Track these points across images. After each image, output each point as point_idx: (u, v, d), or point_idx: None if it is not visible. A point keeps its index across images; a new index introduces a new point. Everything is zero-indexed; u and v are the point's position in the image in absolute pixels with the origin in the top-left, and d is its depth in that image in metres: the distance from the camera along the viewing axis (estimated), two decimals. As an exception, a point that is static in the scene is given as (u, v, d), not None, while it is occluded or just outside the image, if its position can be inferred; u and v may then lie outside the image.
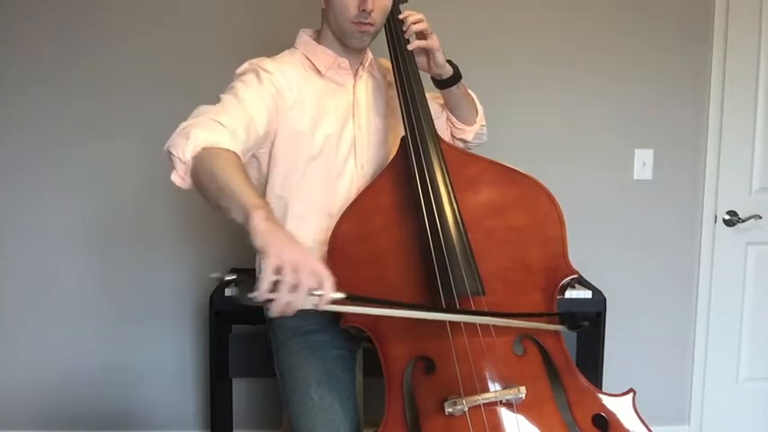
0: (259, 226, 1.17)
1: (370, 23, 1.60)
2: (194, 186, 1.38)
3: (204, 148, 1.36)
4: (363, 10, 1.56)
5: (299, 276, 1.12)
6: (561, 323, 1.51)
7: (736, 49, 2.66)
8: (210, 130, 1.40)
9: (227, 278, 1.13)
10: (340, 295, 1.19)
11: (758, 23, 2.66)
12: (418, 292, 1.52)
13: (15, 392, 2.69)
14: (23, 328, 2.67)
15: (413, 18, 1.66)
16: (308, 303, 1.15)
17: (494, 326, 1.47)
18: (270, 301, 1.13)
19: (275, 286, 1.12)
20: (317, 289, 1.15)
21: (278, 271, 1.12)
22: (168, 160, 1.41)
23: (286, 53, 1.70)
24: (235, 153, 1.39)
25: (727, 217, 2.74)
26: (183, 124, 1.42)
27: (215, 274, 1.15)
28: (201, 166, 1.34)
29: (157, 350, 2.69)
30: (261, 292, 1.12)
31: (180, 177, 1.39)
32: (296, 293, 1.13)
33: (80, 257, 2.65)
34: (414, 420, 1.48)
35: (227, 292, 2.30)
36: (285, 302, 1.13)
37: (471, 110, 1.85)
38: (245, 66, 1.62)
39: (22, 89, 2.58)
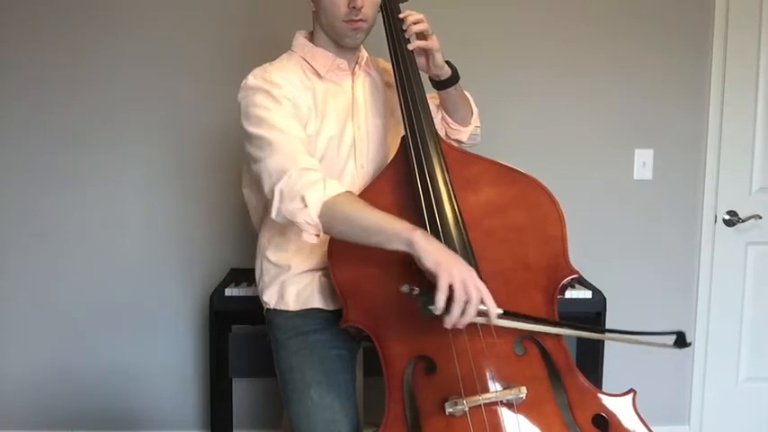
0: (426, 248, 1.32)
1: (361, 19, 1.60)
2: (332, 234, 1.47)
3: (324, 203, 1.43)
4: (353, 7, 1.56)
5: (468, 294, 1.28)
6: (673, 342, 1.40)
7: (736, 49, 2.66)
8: (313, 183, 1.45)
9: (412, 292, 1.34)
10: (500, 311, 1.33)
11: (758, 24, 2.66)
12: (419, 292, 1.52)
13: (15, 392, 2.69)
14: (23, 328, 2.67)
15: (413, 18, 1.66)
16: (477, 318, 1.32)
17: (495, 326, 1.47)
18: (444, 314, 1.29)
19: (449, 302, 1.28)
20: (482, 304, 1.30)
21: (449, 288, 1.28)
22: (291, 224, 1.48)
23: (284, 57, 1.70)
24: (349, 192, 1.48)
25: (727, 217, 2.74)
26: (281, 186, 1.46)
27: (403, 288, 1.34)
28: (332, 220, 1.43)
29: (157, 350, 2.69)
30: (438, 306, 1.28)
31: (314, 236, 1.46)
32: (467, 308, 1.29)
33: (80, 257, 2.65)
34: (414, 420, 1.48)
35: (227, 292, 2.31)
36: (458, 316, 1.29)
37: (467, 111, 1.85)
38: (252, 81, 1.60)
39: (21, 90, 2.58)
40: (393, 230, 1.36)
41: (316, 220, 1.43)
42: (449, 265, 1.29)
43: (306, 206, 1.43)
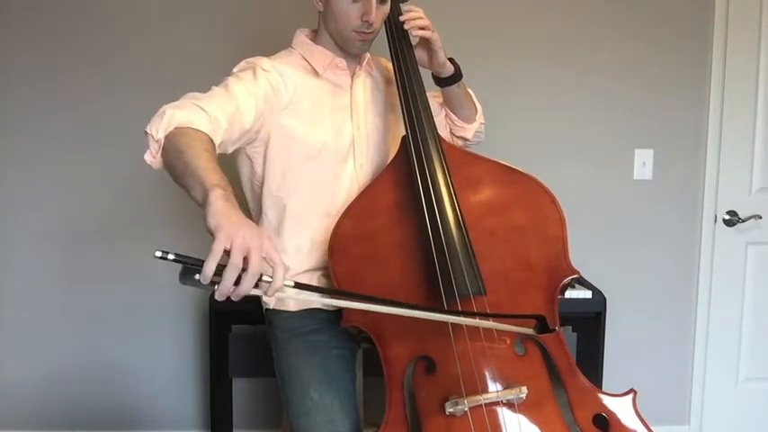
0: (215, 205, 1.14)
1: (372, 32, 1.60)
2: (164, 166, 1.35)
3: (177, 127, 1.34)
4: (366, 21, 1.57)
5: (248, 261, 1.08)
6: (534, 327, 1.45)
7: (736, 49, 2.66)
8: (189, 113, 1.38)
9: (171, 258, 1.08)
10: (289, 283, 1.14)
11: (758, 23, 2.66)
12: (419, 292, 1.52)
13: (15, 392, 2.69)
14: (23, 328, 2.67)
15: (414, 15, 1.67)
16: (255, 290, 1.11)
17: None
18: (215, 284, 1.08)
19: (222, 270, 1.07)
20: (267, 275, 1.10)
21: (225, 252, 1.08)
22: (146, 139, 1.37)
23: (283, 53, 1.70)
24: (207, 135, 1.36)
25: (727, 217, 2.74)
26: (164, 106, 1.40)
27: (157, 253, 1.08)
28: (171, 144, 1.31)
29: (157, 350, 2.69)
30: (205, 274, 1.07)
31: (152, 156, 1.35)
32: (243, 279, 1.08)
33: (80, 257, 2.64)
34: (414, 420, 1.48)
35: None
36: (229, 287, 1.09)
37: (471, 108, 1.85)
38: (242, 64, 1.62)
39: (22, 90, 2.58)
40: (200, 179, 1.20)
41: (160, 135, 1.33)
42: (231, 229, 1.09)
43: (161, 122, 1.34)
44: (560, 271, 1.56)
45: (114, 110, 2.59)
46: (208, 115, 1.41)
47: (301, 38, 1.70)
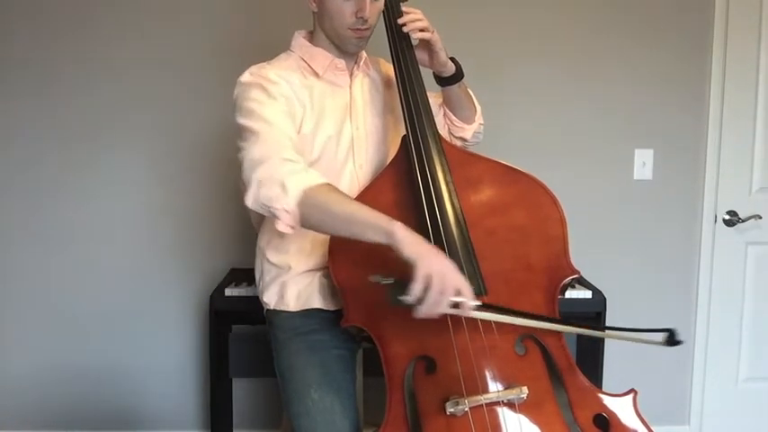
0: (406, 238, 1.31)
1: (367, 28, 1.60)
2: (306, 228, 1.45)
3: (304, 191, 1.40)
4: (361, 17, 1.57)
5: (444, 285, 1.28)
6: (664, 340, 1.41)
7: (736, 49, 2.66)
8: (293, 172, 1.43)
9: (384, 281, 1.35)
10: (477, 303, 1.34)
11: (758, 24, 2.66)
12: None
13: (15, 392, 2.69)
14: (24, 328, 2.67)
15: (414, 16, 1.67)
16: (450, 309, 1.31)
17: (496, 325, 1.46)
18: (418, 304, 1.29)
19: (424, 292, 1.28)
20: (458, 296, 1.30)
21: (428, 278, 1.27)
22: (266, 211, 1.45)
23: (282, 57, 1.70)
24: (329, 183, 1.44)
25: (727, 217, 2.74)
26: (260, 172, 1.44)
27: (373, 278, 1.35)
28: (310, 208, 1.40)
29: (157, 350, 2.69)
30: (413, 297, 1.28)
31: (288, 226, 1.43)
32: (441, 300, 1.28)
33: (80, 257, 2.65)
34: (414, 420, 1.48)
35: (227, 292, 2.31)
36: (430, 307, 1.29)
37: (471, 109, 1.85)
38: (248, 77, 1.60)
39: (23, 90, 2.58)
40: (372, 221, 1.35)
41: (294, 207, 1.39)
42: (429, 257, 1.30)
43: (285, 193, 1.39)
44: (561, 271, 1.56)
45: (115, 110, 2.59)
46: (301, 163, 1.47)
47: (300, 40, 1.70)
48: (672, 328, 1.38)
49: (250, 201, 1.45)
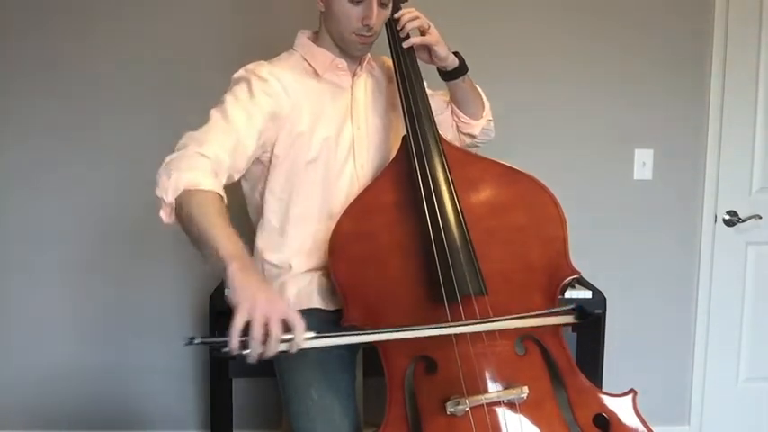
0: (233, 278, 1.22)
1: (372, 35, 1.61)
2: (179, 225, 1.39)
3: (185, 190, 1.36)
4: (366, 24, 1.57)
5: (269, 328, 1.19)
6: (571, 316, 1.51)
7: (737, 48, 2.66)
8: (192, 168, 1.39)
9: (198, 342, 1.25)
10: (310, 334, 1.26)
11: (758, 24, 2.66)
12: (420, 292, 1.52)
13: (15, 392, 2.68)
14: (24, 328, 2.67)
15: (408, 16, 1.67)
16: (280, 348, 1.23)
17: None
18: (244, 352, 1.21)
19: (245, 341, 1.19)
20: (288, 334, 1.22)
21: (247, 326, 1.18)
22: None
23: (284, 55, 1.70)
24: (215, 194, 1.39)
25: (727, 217, 2.74)
26: (168, 158, 1.42)
27: (186, 341, 1.25)
28: (182, 209, 1.35)
29: (157, 350, 2.69)
30: (232, 348, 1.19)
31: (167, 215, 1.39)
32: (267, 344, 1.20)
33: (80, 257, 2.64)
34: (415, 420, 1.48)
35: (228, 292, 2.29)
36: (258, 353, 1.21)
37: (478, 104, 1.85)
38: (240, 72, 1.61)
39: (24, 91, 2.58)
40: (217, 247, 1.27)
41: (171, 199, 1.36)
42: (250, 300, 1.19)
43: (169, 183, 1.36)
44: (561, 271, 1.57)
45: (116, 111, 2.59)
46: (209, 160, 1.43)
47: (303, 39, 1.70)
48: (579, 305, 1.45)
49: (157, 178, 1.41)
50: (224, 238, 1.29)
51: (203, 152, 1.43)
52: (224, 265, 1.24)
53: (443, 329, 1.42)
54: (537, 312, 1.49)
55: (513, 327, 1.47)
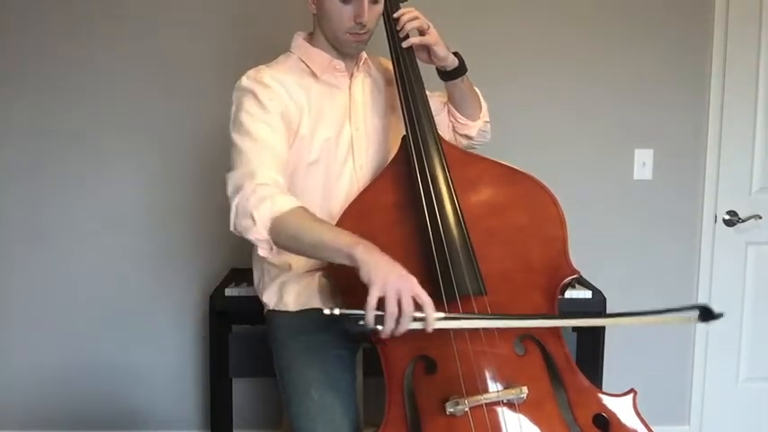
0: (364, 259, 1.30)
1: (365, 33, 1.60)
2: (284, 249, 1.47)
3: (273, 220, 1.43)
4: (359, 22, 1.57)
5: (402, 304, 1.27)
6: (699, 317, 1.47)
7: (737, 49, 2.66)
8: (263, 199, 1.44)
9: (337, 313, 1.30)
10: (440, 315, 1.31)
11: (758, 23, 2.66)
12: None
13: (15, 392, 2.69)
14: (24, 328, 2.67)
15: (407, 16, 1.67)
16: (413, 326, 1.29)
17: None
18: (379, 327, 1.28)
19: (381, 316, 1.27)
20: (419, 312, 1.28)
21: (382, 300, 1.26)
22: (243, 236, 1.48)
23: (281, 58, 1.70)
24: (299, 207, 1.45)
25: (727, 217, 2.74)
26: (236, 202, 1.47)
27: (327, 311, 1.30)
28: (280, 236, 1.43)
29: (157, 350, 2.69)
30: (368, 323, 1.27)
31: (267, 251, 1.47)
32: (401, 320, 1.27)
33: (80, 257, 2.64)
34: (414, 420, 1.48)
35: (227, 292, 2.31)
36: (392, 329, 1.28)
37: (476, 105, 1.85)
38: (244, 83, 1.60)
39: (24, 91, 2.58)
40: (336, 246, 1.35)
41: (266, 236, 1.44)
42: (382, 277, 1.27)
43: (255, 224, 1.43)
44: (560, 271, 1.56)
45: (116, 111, 2.59)
46: (269, 186, 1.48)
47: (299, 41, 1.71)
48: (704, 304, 1.42)
49: (231, 227, 1.49)
50: (337, 234, 1.39)
51: (259, 182, 1.47)
52: (351, 254, 1.31)
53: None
54: (657, 309, 1.49)
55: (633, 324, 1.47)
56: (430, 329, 1.30)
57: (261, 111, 1.56)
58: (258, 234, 1.44)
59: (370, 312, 1.26)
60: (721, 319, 2.87)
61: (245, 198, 1.45)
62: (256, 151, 1.52)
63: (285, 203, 1.44)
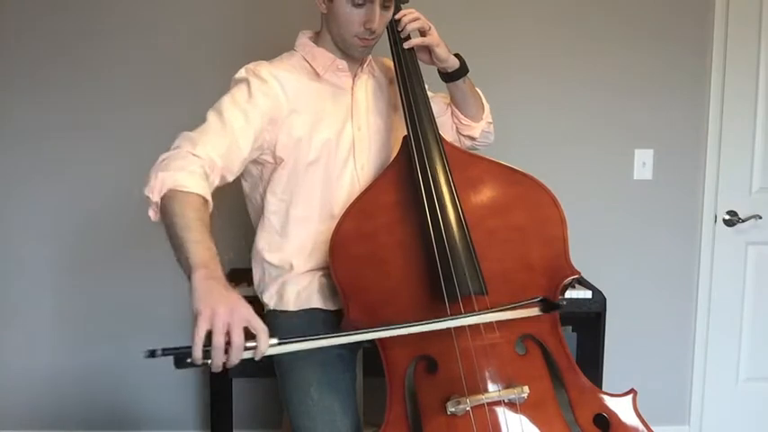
0: (197, 287, 1.20)
1: (373, 38, 1.61)
2: (163, 225, 1.38)
3: (170, 189, 1.36)
4: (368, 28, 1.57)
5: (231, 336, 1.16)
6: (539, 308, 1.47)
7: (736, 49, 2.67)
8: (181, 168, 1.38)
9: (160, 353, 1.23)
10: (274, 341, 1.23)
11: (758, 23, 2.66)
12: (421, 292, 1.52)
13: (16, 393, 2.69)
14: (24, 328, 2.67)
15: (409, 17, 1.66)
16: (244, 355, 1.19)
17: (497, 324, 1.47)
18: (208, 360, 1.18)
19: (209, 350, 1.16)
20: (251, 341, 1.18)
21: (207, 334, 1.16)
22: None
23: (285, 55, 1.70)
24: (199, 197, 1.37)
25: (727, 217, 2.74)
26: (161, 157, 1.42)
27: (145, 354, 1.24)
28: (165, 210, 1.36)
29: (157, 350, 2.69)
30: (195, 358, 1.17)
31: (153, 214, 1.40)
32: (229, 353, 1.17)
33: (80, 257, 2.64)
34: (415, 420, 1.48)
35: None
36: (221, 362, 1.18)
37: (478, 106, 1.85)
38: (241, 73, 1.61)
39: (24, 91, 2.59)
40: (186, 256, 1.27)
41: (156, 199, 1.37)
42: (210, 309, 1.16)
43: (156, 182, 1.37)
44: (561, 271, 1.56)
45: (116, 111, 2.60)
46: (201, 160, 1.42)
47: (303, 40, 1.70)
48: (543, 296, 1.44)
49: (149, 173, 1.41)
50: (196, 243, 1.28)
51: (196, 152, 1.43)
52: (190, 275, 1.23)
53: (419, 327, 1.39)
54: (505, 306, 1.45)
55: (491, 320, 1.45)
56: (258, 357, 1.20)
57: (246, 100, 1.55)
58: (151, 192, 1.36)
59: (197, 348, 1.16)
60: (718, 320, 2.89)
61: (174, 157, 1.41)
62: (216, 131, 1.49)
63: (193, 185, 1.37)
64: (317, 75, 1.66)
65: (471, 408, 1.41)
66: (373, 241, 1.57)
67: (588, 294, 2.32)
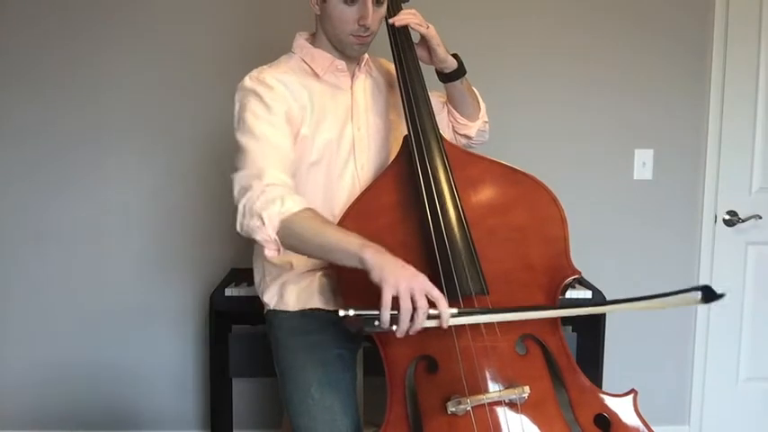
0: (374, 262, 1.30)
1: (368, 35, 1.61)
2: (291, 250, 1.48)
3: (281, 222, 1.42)
4: (363, 25, 1.57)
5: (416, 301, 1.28)
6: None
7: (736, 49, 2.67)
8: (271, 200, 1.44)
9: (352, 314, 1.30)
10: (453, 311, 1.33)
11: (758, 23, 2.66)
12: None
13: (15, 392, 2.68)
14: (24, 328, 2.67)
15: (407, 17, 1.67)
16: (428, 323, 1.30)
17: (497, 324, 1.47)
18: (393, 327, 1.28)
19: (395, 316, 1.27)
20: (432, 308, 1.29)
21: (395, 300, 1.27)
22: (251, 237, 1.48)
23: (283, 58, 1.70)
24: (307, 209, 1.45)
25: (727, 217, 2.74)
26: (243, 203, 1.46)
27: (341, 312, 1.30)
28: (289, 237, 1.43)
29: (157, 350, 2.69)
30: (383, 322, 1.28)
31: (274, 251, 1.46)
32: (415, 317, 1.28)
33: (80, 258, 2.64)
34: (416, 420, 1.48)
35: (227, 292, 2.31)
36: (407, 327, 1.29)
37: (475, 106, 1.85)
38: (247, 83, 1.60)
39: (25, 93, 2.58)
40: (346, 249, 1.35)
41: (274, 236, 1.43)
42: (394, 277, 1.28)
43: (263, 224, 1.43)
44: (561, 271, 1.56)
45: (116, 111, 2.60)
46: (277, 186, 1.47)
47: (301, 41, 1.70)
48: (706, 285, 1.37)
49: (238, 227, 1.49)
50: (345, 237, 1.38)
51: (267, 182, 1.47)
52: (361, 257, 1.31)
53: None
54: (658, 294, 1.44)
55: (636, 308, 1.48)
56: (445, 325, 1.31)
57: (265, 111, 1.56)
58: (266, 235, 1.43)
59: (385, 311, 1.27)
60: (718, 320, 2.88)
61: (253, 199, 1.45)
62: (262, 152, 1.51)
63: (294, 205, 1.44)
64: (317, 76, 1.66)
65: (472, 408, 1.41)
66: (374, 241, 1.56)
67: (588, 294, 2.33)
